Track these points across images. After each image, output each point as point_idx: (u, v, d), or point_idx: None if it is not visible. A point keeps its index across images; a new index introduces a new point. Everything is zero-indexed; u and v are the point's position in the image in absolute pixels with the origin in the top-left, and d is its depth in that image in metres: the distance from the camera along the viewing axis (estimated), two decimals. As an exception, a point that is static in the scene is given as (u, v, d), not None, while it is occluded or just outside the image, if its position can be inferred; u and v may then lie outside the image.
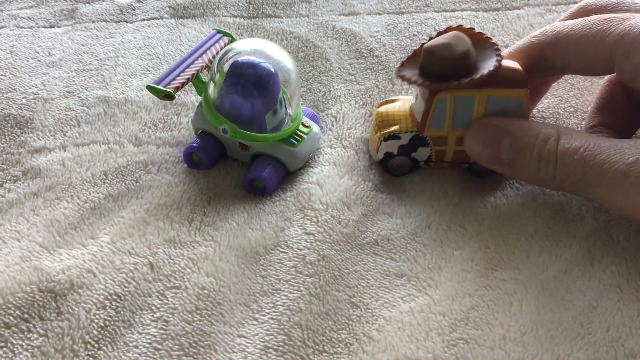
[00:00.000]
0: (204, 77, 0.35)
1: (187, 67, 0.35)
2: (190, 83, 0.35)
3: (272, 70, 0.33)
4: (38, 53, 0.46)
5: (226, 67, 0.33)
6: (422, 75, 0.32)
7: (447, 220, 0.33)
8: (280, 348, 0.27)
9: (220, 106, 0.34)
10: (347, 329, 0.28)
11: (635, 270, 0.29)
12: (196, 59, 0.36)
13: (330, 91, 0.41)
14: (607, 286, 0.29)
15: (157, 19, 0.49)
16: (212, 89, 0.34)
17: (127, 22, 0.49)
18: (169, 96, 0.33)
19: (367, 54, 0.44)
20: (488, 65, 0.31)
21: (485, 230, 0.32)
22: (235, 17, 0.48)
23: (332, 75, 0.42)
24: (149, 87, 0.33)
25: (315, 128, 0.36)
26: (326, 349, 0.27)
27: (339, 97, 0.40)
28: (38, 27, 0.50)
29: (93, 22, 0.50)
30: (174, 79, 0.34)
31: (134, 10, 0.50)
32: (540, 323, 0.28)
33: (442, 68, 0.31)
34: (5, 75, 0.44)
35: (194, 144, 0.35)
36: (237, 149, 0.35)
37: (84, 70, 0.44)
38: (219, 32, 0.38)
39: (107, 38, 0.47)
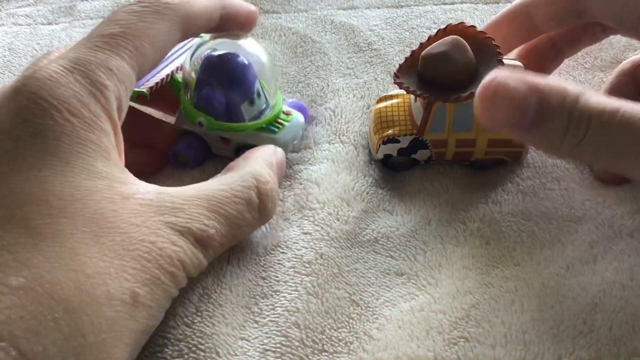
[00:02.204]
0: (180, 76, 0.35)
1: (163, 68, 0.35)
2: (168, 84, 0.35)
3: (245, 60, 0.33)
4: (37, 50, 0.46)
5: (197, 62, 0.33)
6: (420, 80, 0.31)
7: (448, 217, 0.32)
8: (279, 350, 0.27)
9: (197, 102, 0.33)
10: (348, 327, 0.28)
11: (639, 267, 0.29)
12: (172, 60, 0.36)
13: (328, 85, 0.40)
14: (610, 283, 0.29)
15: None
16: (187, 87, 0.34)
17: (124, 18, 0.49)
18: (142, 96, 0.33)
19: (366, 47, 0.43)
20: (489, 72, 0.30)
21: (485, 227, 0.32)
22: (234, 12, 0.48)
23: (331, 70, 0.42)
24: None
25: (297, 115, 0.35)
26: (326, 347, 0.27)
27: (337, 91, 0.40)
28: (36, 25, 0.49)
29: (91, 18, 0.49)
30: (147, 80, 0.34)
31: (131, 6, 0.50)
32: (542, 321, 0.28)
33: (440, 78, 0.30)
34: (4, 73, 0.44)
35: (179, 145, 0.35)
36: (220, 144, 0.35)
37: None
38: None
39: (104, 35, 0.47)
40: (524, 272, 0.29)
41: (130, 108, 0.29)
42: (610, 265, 0.29)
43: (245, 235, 0.29)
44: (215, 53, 0.33)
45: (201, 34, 0.37)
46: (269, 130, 0.34)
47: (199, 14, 0.29)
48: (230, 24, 0.32)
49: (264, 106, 0.34)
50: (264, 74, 0.34)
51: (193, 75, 0.33)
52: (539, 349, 0.27)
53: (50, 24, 0.49)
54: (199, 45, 0.34)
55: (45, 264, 0.21)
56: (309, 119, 0.38)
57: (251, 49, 0.34)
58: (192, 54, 0.33)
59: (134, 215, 0.24)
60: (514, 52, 0.37)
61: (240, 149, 0.34)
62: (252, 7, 0.33)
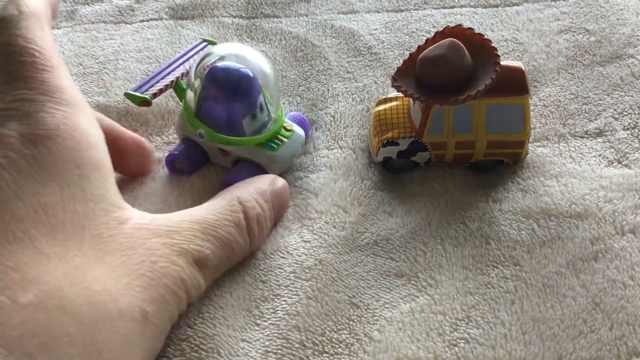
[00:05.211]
0: (185, 83, 0.35)
1: (168, 74, 0.35)
2: (172, 90, 0.35)
3: (250, 74, 0.32)
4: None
5: (203, 72, 0.32)
6: (418, 83, 0.31)
7: (447, 217, 0.32)
8: (280, 351, 0.27)
9: (199, 111, 0.33)
10: (348, 329, 0.28)
11: None
12: (178, 66, 0.35)
13: (328, 90, 0.41)
14: (611, 282, 0.29)
15: (156, 20, 0.49)
16: (190, 95, 0.34)
17: (126, 23, 0.49)
18: (145, 102, 0.33)
19: (366, 51, 0.44)
20: (486, 74, 0.30)
21: (486, 226, 0.32)
22: (234, 17, 0.48)
23: (331, 74, 0.42)
24: (126, 94, 0.33)
25: (298, 131, 0.35)
26: (326, 349, 0.27)
27: (337, 95, 0.40)
28: (38, 31, 0.50)
29: (92, 23, 0.50)
30: (152, 86, 0.34)
31: (133, 11, 0.50)
32: (542, 321, 0.28)
33: (438, 81, 0.31)
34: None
35: (176, 151, 0.35)
36: (218, 154, 0.34)
37: (84, 74, 0.44)
38: (204, 40, 0.38)
39: (106, 40, 0.47)
40: (524, 272, 0.30)
41: (109, 130, 0.29)
42: (611, 264, 0.29)
43: (238, 259, 0.29)
44: (221, 64, 0.32)
45: (208, 40, 0.37)
46: (268, 147, 0.33)
47: None
48: None
49: (266, 119, 0.34)
50: (268, 87, 0.33)
51: (197, 84, 0.33)
52: (539, 349, 0.27)
53: (51, 28, 0.49)
54: (206, 55, 0.33)
55: (54, 281, 0.21)
56: (310, 128, 0.38)
57: (256, 60, 0.33)
58: (199, 63, 0.33)
59: (132, 238, 0.24)
60: None
61: (240, 161, 0.34)
62: None
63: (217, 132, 0.33)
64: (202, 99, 0.33)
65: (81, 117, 0.25)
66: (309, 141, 0.37)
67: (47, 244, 0.21)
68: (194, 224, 0.26)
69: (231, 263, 0.29)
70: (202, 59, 0.33)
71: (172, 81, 0.34)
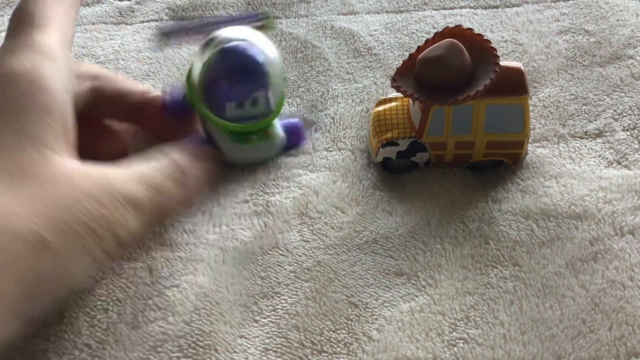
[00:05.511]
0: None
1: (207, 26, 0.33)
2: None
3: (258, 67, 0.32)
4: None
5: (223, 46, 0.32)
6: (417, 83, 0.31)
7: (447, 217, 0.32)
8: (279, 350, 0.27)
9: (198, 78, 0.32)
10: (346, 328, 0.28)
11: (639, 266, 0.29)
12: (219, 25, 0.34)
13: (328, 91, 0.41)
14: (610, 283, 0.29)
15: (156, 20, 0.49)
16: (197, 67, 0.33)
17: (126, 24, 0.49)
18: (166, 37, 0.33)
19: (366, 52, 0.44)
20: (486, 75, 0.30)
21: (485, 226, 0.32)
22: (234, 18, 0.48)
23: (331, 75, 0.42)
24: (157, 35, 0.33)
25: (274, 139, 0.33)
26: (325, 348, 0.27)
27: (337, 97, 0.40)
28: (38, 31, 0.50)
29: (93, 24, 0.50)
30: (185, 33, 0.33)
31: (133, 12, 0.50)
32: (541, 321, 0.28)
33: (437, 81, 0.31)
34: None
35: (171, 99, 0.34)
36: (198, 120, 0.34)
37: (83, 73, 0.44)
38: (261, 14, 0.36)
39: (107, 40, 0.47)
40: (523, 272, 0.30)
41: (114, 93, 0.31)
42: (610, 264, 0.29)
43: (172, 211, 0.30)
44: (240, 47, 0.32)
45: (264, 14, 0.35)
46: (231, 137, 0.33)
47: None
48: None
49: (257, 113, 0.33)
50: (274, 84, 0.32)
51: (209, 52, 0.32)
52: (538, 349, 0.27)
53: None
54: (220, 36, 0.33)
55: None
56: (305, 136, 0.36)
57: (272, 55, 0.32)
58: (210, 40, 0.32)
59: (57, 177, 0.25)
60: None
61: (210, 136, 0.33)
62: None
63: (203, 100, 0.32)
64: (205, 67, 0.32)
65: (49, 65, 0.26)
66: (308, 142, 0.37)
67: None
68: (130, 173, 0.27)
69: (166, 213, 0.29)
70: (214, 38, 0.32)
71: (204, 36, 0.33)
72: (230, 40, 0.32)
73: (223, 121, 0.32)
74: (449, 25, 0.32)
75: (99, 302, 0.29)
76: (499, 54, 0.31)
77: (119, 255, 0.28)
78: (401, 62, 0.33)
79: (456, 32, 0.32)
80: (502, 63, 0.31)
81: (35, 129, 0.25)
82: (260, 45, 0.32)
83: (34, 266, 0.23)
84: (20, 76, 0.26)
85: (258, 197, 0.34)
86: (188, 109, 0.33)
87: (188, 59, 0.44)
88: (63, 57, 0.28)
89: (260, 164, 0.36)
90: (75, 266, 0.25)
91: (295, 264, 0.31)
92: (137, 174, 0.27)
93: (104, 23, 0.49)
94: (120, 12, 0.50)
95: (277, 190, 0.35)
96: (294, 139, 0.35)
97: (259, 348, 0.27)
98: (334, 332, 0.28)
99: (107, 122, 0.35)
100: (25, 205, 0.23)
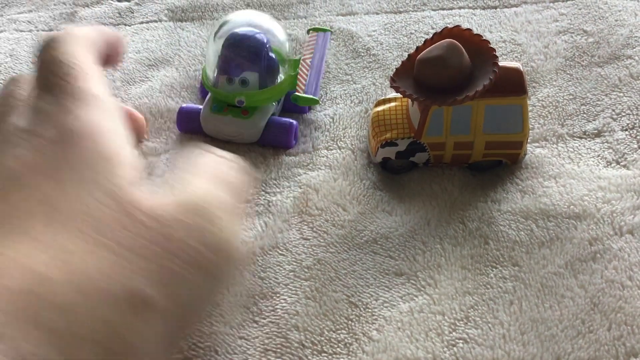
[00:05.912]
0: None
1: (319, 71, 0.39)
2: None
3: (252, 50, 0.36)
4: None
5: (246, 30, 0.36)
6: (416, 84, 0.32)
7: (447, 217, 0.32)
8: (279, 350, 0.27)
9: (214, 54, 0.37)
10: (347, 329, 0.28)
11: (638, 266, 0.29)
12: (321, 62, 0.39)
13: (327, 92, 0.41)
14: (609, 282, 0.29)
15: (155, 21, 0.49)
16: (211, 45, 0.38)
17: (125, 25, 0.49)
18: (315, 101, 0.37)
19: (364, 53, 0.44)
20: (485, 75, 0.30)
21: (485, 226, 0.32)
22: (233, 18, 0.48)
23: (329, 76, 0.42)
24: (299, 97, 0.36)
25: (248, 122, 0.36)
26: (325, 349, 0.27)
27: (336, 98, 0.40)
28: (38, 31, 0.50)
29: (92, 25, 0.50)
30: (316, 86, 0.38)
31: (132, 13, 0.50)
32: (541, 321, 0.28)
33: (436, 82, 0.31)
34: (5, 80, 0.44)
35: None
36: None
37: (83, 74, 0.44)
38: (316, 30, 0.41)
39: (105, 42, 0.47)
40: (523, 272, 0.30)
41: None
42: (609, 264, 0.29)
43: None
44: (247, 32, 0.36)
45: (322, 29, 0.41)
46: (211, 104, 0.37)
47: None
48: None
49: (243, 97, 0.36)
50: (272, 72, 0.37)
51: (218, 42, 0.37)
52: (538, 349, 0.27)
53: (51, 30, 0.50)
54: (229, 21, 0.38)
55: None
56: (295, 137, 0.37)
57: (278, 44, 0.38)
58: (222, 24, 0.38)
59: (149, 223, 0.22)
60: None
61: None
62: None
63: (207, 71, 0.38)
64: (224, 44, 0.36)
65: (103, 116, 0.25)
66: (306, 140, 0.37)
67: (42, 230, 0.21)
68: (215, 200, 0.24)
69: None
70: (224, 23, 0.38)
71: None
72: (243, 24, 0.37)
73: (209, 84, 0.37)
74: (448, 25, 0.33)
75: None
76: (497, 54, 0.31)
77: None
78: (400, 63, 0.33)
79: (455, 32, 0.32)
80: (501, 63, 0.31)
81: (108, 180, 0.24)
82: (270, 34, 0.37)
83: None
84: (81, 135, 0.24)
85: (259, 197, 0.34)
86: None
87: (188, 60, 0.44)
88: (110, 100, 0.27)
89: (231, 142, 0.37)
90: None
91: (294, 263, 0.31)
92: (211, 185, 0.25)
93: (103, 24, 0.49)
94: (119, 13, 0.50)
95: (278, 190, 0.35)
96: (283, 138, 0.37)
97: (258, 349, 0.27)
98: (334, 332, 0.28)
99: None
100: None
